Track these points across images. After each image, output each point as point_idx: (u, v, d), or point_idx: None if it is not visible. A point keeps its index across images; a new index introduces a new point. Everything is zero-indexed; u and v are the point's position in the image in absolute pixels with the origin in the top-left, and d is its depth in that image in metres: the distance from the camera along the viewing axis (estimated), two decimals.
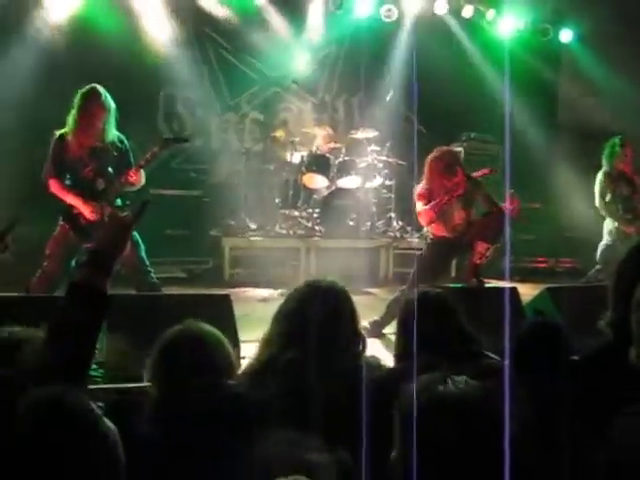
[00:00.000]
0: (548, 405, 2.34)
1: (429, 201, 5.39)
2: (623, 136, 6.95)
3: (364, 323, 5.37)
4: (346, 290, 2.52)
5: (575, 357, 2.61)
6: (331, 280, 2.54)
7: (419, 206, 5.46)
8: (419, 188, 5.52)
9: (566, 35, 9.83)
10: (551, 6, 9.68)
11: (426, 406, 1.39)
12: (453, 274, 7.11)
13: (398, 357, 2.56)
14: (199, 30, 8.77)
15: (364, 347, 2.48)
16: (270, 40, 9.03)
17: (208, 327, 2.26)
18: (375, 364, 2.54)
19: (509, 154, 7.24)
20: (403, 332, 2.56)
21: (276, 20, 8.98)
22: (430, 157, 5.63)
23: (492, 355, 2.52)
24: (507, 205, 5.42)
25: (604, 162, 6.95)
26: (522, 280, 7.91)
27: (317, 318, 2.31)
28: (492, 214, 5.41)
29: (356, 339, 2.45)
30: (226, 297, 4.27)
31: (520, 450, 1.71)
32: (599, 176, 6.97)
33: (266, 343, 2.53)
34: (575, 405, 2.37)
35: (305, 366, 2.27)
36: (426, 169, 5.60)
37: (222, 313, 3.99)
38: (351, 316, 2.47)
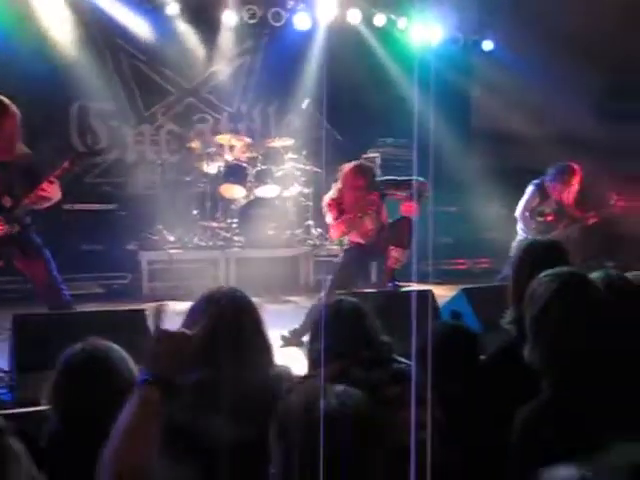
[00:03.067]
0: (457, 407, 2.38)
1: (340, 212, 5.43)
2: (569, 173, 7.08)
3: (284, 332, 5.38)
4: (248, 298, 2.45)
5: (482, 357, 2.68)
6: (231, 289, 2.48)
7: (330, 218, 5.49)
8: (329, 197, 5.55)
9: (478, 43, 10.11)
10: (462, 15, 9.93)
11: (303, 418, 1.38)
12: (374, 279, 7.18)
13: (311, 365, 2.54)
14: (110, 41, 8.60)
15: (272, 357, 2.44)
16: (184, 50, 8.95)
17: (109, 344, 2.20)
18: (285, 374, 2.51)
19: (416, 158, 7.39)
20: (314, 339, 2.55)
21: (189, 30, 8.90)
22: (347, 169, 5.65)
23: (402, 360, 2.54)
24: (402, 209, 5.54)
25: (548, 180, 7.08)
26: (441, 282, 8.05)
27: (219, 331, 2.26)
28: (403, 219, 5.50)
29: (263, 349, 2.40)
30: (140, 312, 4.20)
31: (427, 455, 1.73)
32: (530, 189, 7.12)
33: None
34: (481, 405, 2.42)
35: (212, 384, 2.22)
36: (341, 180, 5.63)
37: (137, 329, 3.91)
38: (255, 325, 2.41)
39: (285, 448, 1.40)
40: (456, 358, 2.44)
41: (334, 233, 5.59)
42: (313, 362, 2.46)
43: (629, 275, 2.98)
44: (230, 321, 2.34)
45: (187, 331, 1.88)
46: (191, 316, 2.46)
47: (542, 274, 2.22)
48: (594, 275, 2.72)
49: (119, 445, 1.58)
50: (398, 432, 2.18)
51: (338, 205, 5.50)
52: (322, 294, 5.42)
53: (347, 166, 5.70)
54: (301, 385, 1.50)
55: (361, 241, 5.55)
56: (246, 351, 2.26)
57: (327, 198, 5.59)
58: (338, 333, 2.32)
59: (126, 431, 1.59)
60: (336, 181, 5.81)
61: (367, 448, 1.35)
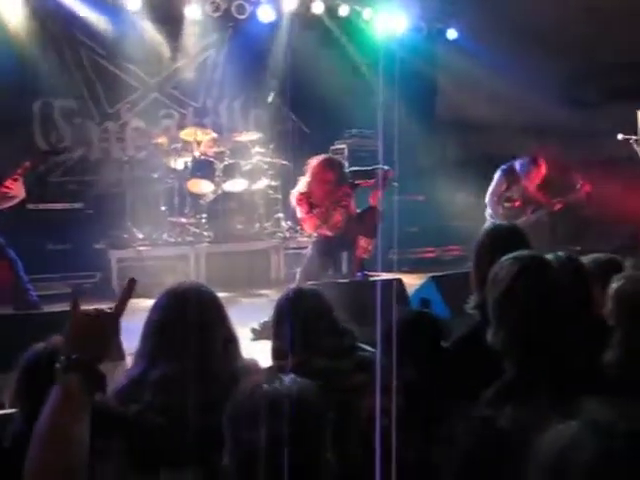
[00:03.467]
0: (420, 393, 2.39)
1: (310, 206, 5.44)
2: (535, 160, 7.17)
3: (254, 325, 5.37)
4: (211, 293, 2.44)
5: (446, 344, 2.69)
6: (194, 284, 2.47)
7: (301, 212, 5.49)
8: (297, 192, 5.55)
9: (442, 32, 10.15)
10: (426, 4, 9.96)
11: (250, 406, 1.38)
12: (345, 269, 7.20)
13: (275, 356, 2.54)
14: (69, 36, 8.47)
15: (237, 351, 2.43)
16: (147, 45, 8.85)
17: None
18: (252, 367, 2.50)
19: (382, 149, 7.45)
20: (277, 331, 2.55)
21: (152, 25, 8.81)
22: (315, 163, 5.65)
23: (367, 347, 2.55)
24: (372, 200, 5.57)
25: (517, 168, 7.16)
26: (411, 271, 8.12)
27: (182, 326, 2.25)
28: (369, 210, 5.52)
29: (229, 343, 2.40)
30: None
31: (390, 442, 1.74)
32: (498, 174, 7.20)
33: (137, 358, 2.46)
34: (444, 391, 2.43)
35: (178, 379, 2.21)
36: (310, 174, 5.62)
37: None
38: (220, 319, 2.40)
39: (232, 436, 1.40)
40: (420, 345, 2.45)
41: (308, 227, 5.60)
42: (275, 353, 2.47)
43: (587, 258, 3.03)
44: (194, 315, 2.33)
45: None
46: (155, 311, 2.45)
47: (503, 258, 2.24)
48: (554, 255, 2.77)
49: (43, 451, 1.38)
50: (358, 418, 2.20)
51: (308, 199, 5.51)
52: (290, 287, 5.41)
53: (315, 160, 5.70)
54: (254, 376, 1.49)
55: (329, 233, 5.56)
56: (211, 345, 2.26)
57: (295, 193, 5.59)
58: (299, 324, 2.32)
59: (49, 432, 1.38)
60: (304, 174, 5.81)
61: (312, 433, 1.35)
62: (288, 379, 1.44)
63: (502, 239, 2.68)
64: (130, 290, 1.62)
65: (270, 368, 2.41)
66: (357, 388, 2.28)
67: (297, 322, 2.35)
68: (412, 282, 5.97)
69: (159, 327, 2.39)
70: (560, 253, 2.78)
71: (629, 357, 2.22)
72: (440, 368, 2.49)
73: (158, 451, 2.05)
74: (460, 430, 2.20)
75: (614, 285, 2.38)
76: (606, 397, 1.65)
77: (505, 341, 2.20)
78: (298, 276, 5.50)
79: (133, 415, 2.12)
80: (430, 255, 9.40)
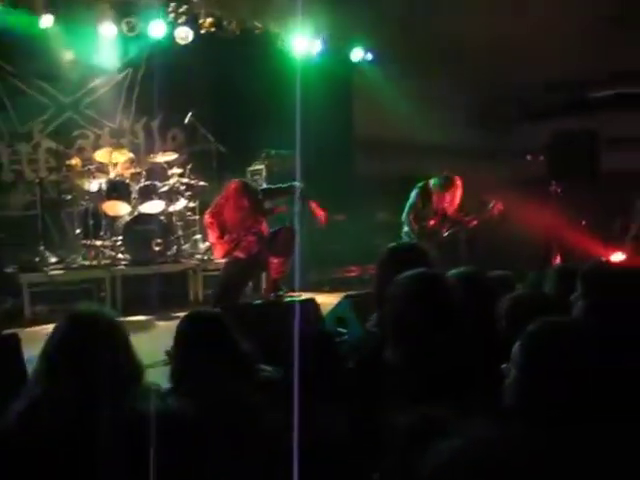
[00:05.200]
0: (324, 413, 2.39)
1: (221, 231, 5.41)
2: (450, 180, 7.31)
3: (169, 348, 5.27)
4: (112, 318, 2.40)
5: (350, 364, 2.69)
6: (93, 309, 2.41)
7: (212, 237, 5.46)
8: (209, 215, 5.51)
9: (356, 53, 10.29)
10: (341, 26, 10.09)
11: (127, 425, 1.35)
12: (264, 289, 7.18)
13: (173, 379, 2.49)
14: None
15: (138, 375, 2.37)
16: (61, 63, 8.65)
17: None
18: (156, 392, 2.45)
19: (300, 169, 7.48)
20: (176, 354, 2.50)
21: (66, 42, 8.61)
22: (232, 187, 5.63)
23: (267, 368, 2.53)
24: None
25: (432, 187, 7.31)
26: (332, 290, 8.15)
27: (80, 351, 2.20)
28: (281, 230, 5.54)
29: (129, 368, 2.34)
30: (12, 336, 4.02)
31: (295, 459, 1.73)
32: (414, 192, 7.33)
33: (35, 382, 2.39)
34: (347, 410, 2.44)
35: (73, 404, 2.15)
36: (225, 197, 5.59)
37: (8, 354, 3.77)
38: (121, 344, 2.35)
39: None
40: (321, 365, 2.45)
41: (217, 252, 5.57)
42: (174, 376, 2.42)
43: (493, 274, 3.11)
44: (93, 341, 2.29)
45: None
46: (53, 334, 2.38)
47: (399, 276, 2.27)
48: (453, 273, 2.83)
49: None
50: (259, 438, 2.19)
51: (220, 222, 5.47)
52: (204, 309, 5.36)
53: (232, 184, 5.69)
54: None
55: (242, 256, 5.54)
56: (103, 370, 2.19)
57: (207, 215, 5.55)
58: (198, 346, 2.29)
59: None
60: (220, 195, 5.79)
61: (187, 452, 1.33)
62: (165, 401, 1.41)
63: (402, 258, 2.72)
64: None
65: (167, 392, 2.36)
66: (257, 408, 2.26)
67: (195, 345, 2.32)
68: (333, 301, 5.98)
69: (56, 350, 2.33)
70: (462, 270, 2.84)
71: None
72: (343, 387, 2.50)
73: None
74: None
75: (504, 305, 2.44)
76: (494, 415, 1.69)
77: (403, 358, 2.23)
78: (211, 298, 5.45)
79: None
80: (352, 274, 9.45)
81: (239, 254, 5.53)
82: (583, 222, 7.58)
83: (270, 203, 5.82)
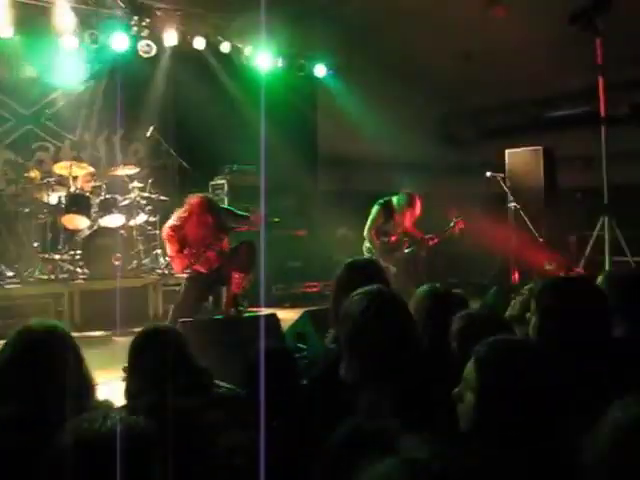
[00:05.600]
0: (277, 431, 2.39)
1: (181, 245, 5.38)
2: (411, 197, 7.38)
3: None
4: (66, 333, 2.36)
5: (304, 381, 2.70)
6: (47, 324, 2.38)
7: (172, 250, 5.42)
8: (169, 227, 5.47)
9: (320, 70, 10.36)
10: (303, 42, 10.16)
11: (73, 445, 1.35)
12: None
13: (128, 395, 2.47)
14: None
15: (90, 392, 2.35)
16: (22, 76, 8.57)
17: None
18: (107, 409, 2.43)
19: (263, 185, 7.51)
20: (130, 370, 2.48)
21: (26, 54, 8.52)
22: (195, 203, 5.59)
23: (223, 384, 2.53)
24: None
25: (394, 203, 7.35)
26: (293, 305, 8.17)
27: (30, 367, 2.16)
28: (241, 245, 5.54)
29: (80, 385, 2.31)
30: None
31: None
32: (376, 208, 7.38)
33: None
34: (303, 428, 2.44)
35: (25, 421, 2.12)
36: (188, 212, 5.56)
37: None
38: (73, 361, 2.32)
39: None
40: (279, 381, 2.45)
41: (176, 266, 5.53)
42: (128, 393, 2.40)
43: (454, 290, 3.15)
44: (44, 357, 2.25)
45: None
46: (4, 353, 2.34)
47: (354, 293, 2.29)
48: (422, 289, 2.86)
49: None
50: (213, 456, 2.18)
51: (180, 237, 5.43)
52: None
53: (196, 199, 5.65)
54: (86, 415, 1.45)
55: (202, 270, 5.52)
56: (54, 388, 2.17)
57: (167, 228, 5.51)
58: (152, 362, 2.28)
59: None
60: (180, 209, 5.75)
61: (136, 471, 1.33)
62: (114, 418, 1.40)
63: (358, 274, 2.74)
64: None
65: (120, 408, 2.34)
66: (211, 426, 2.25)
67: (150, 361, 2.31)
68: (293, 317, 5.97)
69: (6, 365, 2.29)
70: (429, 286, 2.87)
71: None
72: (298, 404, 2.50)
73: None
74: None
75: (455, 325, 2.47)
76: (435, 434, 1.70)
77: (356, 374, 2.24)
78: (171, 313, 5.41)
79: None
80: (313, 290, 9.46)
81: (199, 268, 5.51)
82: (540, 238, 7.70)
83: (232, 222, 5.80)
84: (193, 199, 5.71)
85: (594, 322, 2.30)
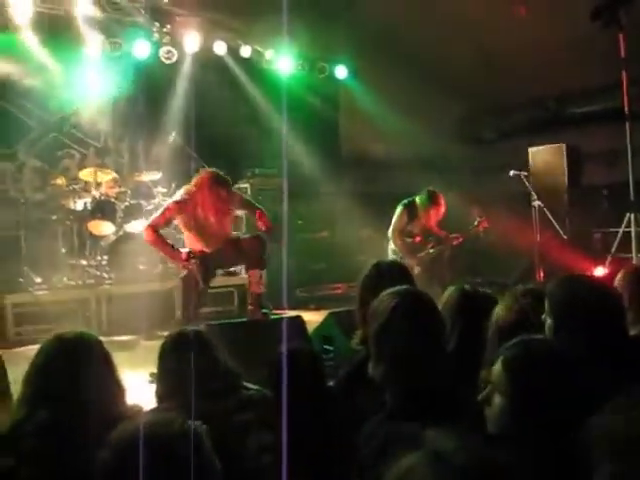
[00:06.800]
0: (305, 431, 2.40)
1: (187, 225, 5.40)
2: (435, 196, 7.34)
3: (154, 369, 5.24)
4: (97, 340, 2.41)
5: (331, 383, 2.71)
6: (78, 332, 2.42)
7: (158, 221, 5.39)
8: (173, 202, 5.45)
9: (341, 72, 10.37)
10: (324, 44, 10.18)
11: (111, 447, 1.37)
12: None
13: (158, 399, 2.50)
14: None
15: (120, 397, 2.38)
16: (46, 83, 8.68)
17: None
18: (135, 413, 2.46)
19: (286, 188, 7.53)
20: (160, 373, 2.52)
21: (51, 63, 8.63)
22: (205, 177, 5.57)
23: (251, 386, 2.54)
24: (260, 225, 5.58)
25: (417, 203, 7.33)
26: (317, 307, 8.17)
27: (64, 373, 2.21)
28: (254, 238, 5.53)
29: (110, 391, 2.35)
30: None
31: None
32: (400, 209, 7.36)
33: (18, 405, 2.39)
34: (330, 427, 2.45)
35: (58, 427, 2.16)
36: (196, 187, 5.53)
37: None
38: (104, 367, 2.36)
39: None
40: (302, 382, 2.46)
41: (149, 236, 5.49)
42: (158, 396, 2.44)
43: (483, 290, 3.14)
44: (73, 362, 2.30)
45: None
46: (37, 356, 2.39)
47: (382, 293, 2.30)
48: (451, 288, 2.86)
49: None
50: (242, 458, 2.20)
51: (189, 209, 5.42)
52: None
53: (205, 174, 5.66)
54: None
55: (206, 249, 5.51)
56: (88, 393, 2.21)
57: (171, 202, 5.49)
58: (182, 365, 2.30)
59: None
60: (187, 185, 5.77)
61: (178, 470, 1.35)
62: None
63: (383, 275, 2.75)
64: None
65: (152, 411, 2.38)
66: (241, 427, 2.27)
67: (179, 364, 2.34)
68: (318, 319, 5.98)
69: (39, 372, 2.34)
70: (466, 285, 2.86)
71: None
72: (325, 404, 2.52)
73: None
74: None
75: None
76: (460, 428, 1.70)
77: (384, 374, 2.25)
78: (181, 302, 5.39)
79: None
80: (337, 291, 9.46)
81: (203, 248, 5.49)
82: (565, 236, 7.64)
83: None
84: (203, 173, 5.72)
85: (609, 321, 2.27)
